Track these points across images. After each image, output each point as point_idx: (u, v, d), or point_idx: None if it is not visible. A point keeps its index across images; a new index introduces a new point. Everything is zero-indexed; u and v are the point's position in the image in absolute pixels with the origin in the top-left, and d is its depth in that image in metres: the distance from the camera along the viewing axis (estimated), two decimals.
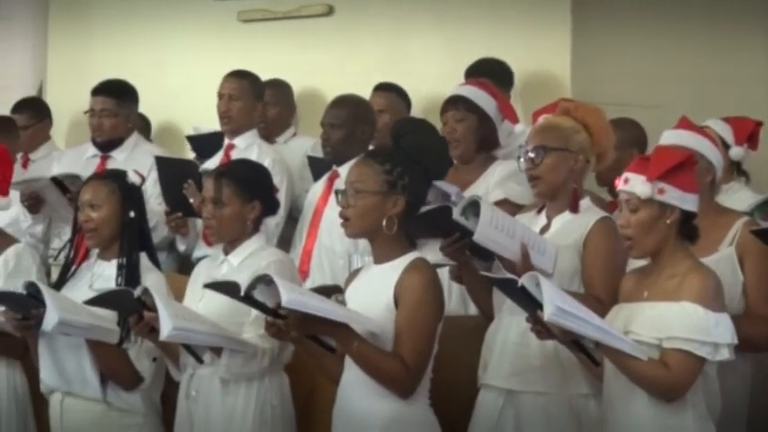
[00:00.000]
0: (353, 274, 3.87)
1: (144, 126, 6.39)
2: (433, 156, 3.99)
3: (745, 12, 6.22)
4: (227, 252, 4.13)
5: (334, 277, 4.92)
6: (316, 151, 5.68)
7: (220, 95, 5.71)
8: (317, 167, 5.52)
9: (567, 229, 3.91)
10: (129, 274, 4.19)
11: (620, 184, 3.51)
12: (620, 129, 4.33)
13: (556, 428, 3.80)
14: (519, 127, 5.00)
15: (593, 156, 3.97)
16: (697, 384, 3.39)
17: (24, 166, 6.33)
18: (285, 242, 5.33)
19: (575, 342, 3.43)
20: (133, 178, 4.33)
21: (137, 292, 3.83)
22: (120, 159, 5.75)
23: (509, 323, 3.87)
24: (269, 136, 6.02)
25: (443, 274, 3.94)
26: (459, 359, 3.95)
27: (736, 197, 4.64)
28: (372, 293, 3.64)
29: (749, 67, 6.20)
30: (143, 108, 6.13)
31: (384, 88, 5.91)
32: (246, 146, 5.62)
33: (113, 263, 4.24)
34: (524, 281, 3.32)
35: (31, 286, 4.00)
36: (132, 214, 4.27)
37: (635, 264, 3.70)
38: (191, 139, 6.17)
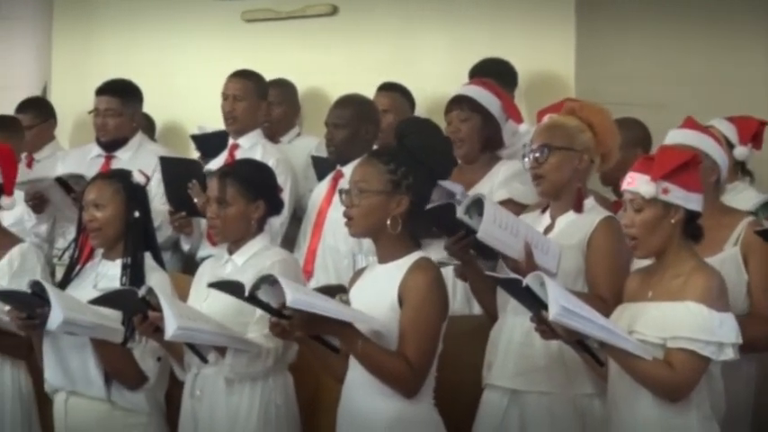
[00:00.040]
0: (358, 274, 3.87)
1: (148, 126, 6.40)
2: (438, 155, 3.98)
3: (750, 12, 6.21)
4: (231, 252, 4.13)
5: (339, 277, 4.92)
6: (320, 151, 5.69)
7: (225, 96, 5.71)
8: (322, 167, 5.52)
9: (571, 229, 3.91)
10: (134, 273, 4.20)
11: (624, 184, 3.51)
12: (625, 128, 4.33)
13: (560, 428, 3.80)
14: (523, 127, 5.01)
15: (598, 156, 3.97)
16: (701, 384, 3.39)
17: (29, 165, 6.33)
18: (289, 242, 5.33)
19: (579, 342, 3.43)
20: (138, 178, 4.34)
21: (141, 291, 3.84)
22: (124, 159, 5.75)
23: (513, 323, 3.87)
24: (273, 136, 6.02)
25: (447, 273, 3.95)
26: (464, 359, 3.94)
27: (741, 197, 4.64)
28: (377, 293, 3.64)
29: (754, 66, 6.19)
30: (147, 108, 6.14)
31: (388, 88, 5.91)
32: (251, 145, 5.62)
33: (118, 262, 4.24)
34: (529, 281, 3.32)
35: (36, 285, 4.00)
36: (137, 214, 4.27)
37: (639, 264, 3.70)
38: (195, 138, 6.18)
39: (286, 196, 4.91)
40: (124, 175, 4.36)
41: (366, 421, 3.60)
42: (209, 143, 5.94)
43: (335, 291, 3.83)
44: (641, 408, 3.42)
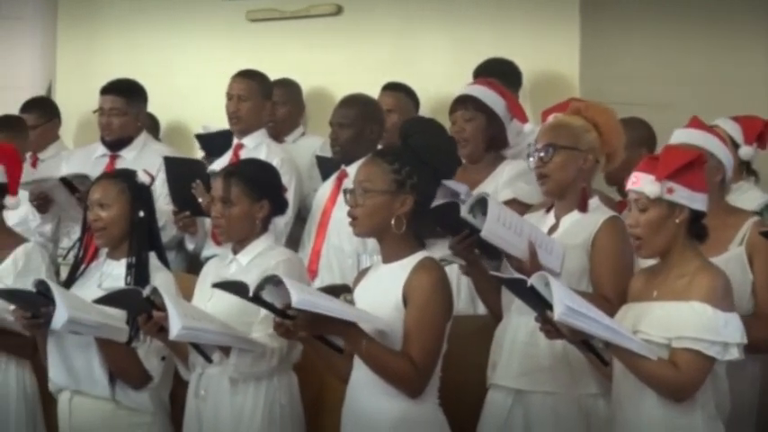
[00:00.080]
0: (362, 274, 3.87)
1: (153, 126, 6.39)
2: (442, 155, 3.98)
3: (753, 12, 6.21)
4: (235, 251, 4.13)
5: (343, 276, 4.92)
6: (324, 151, 5.69)
7: (229, 96, 5.71)
8: (326, 167, 5.52)
9: (576, 229, 3.91)
10: (139, 273, 4.20)
11: (629, 184, 3.51)
12: (630, 128, 4.33)
13: (565, 428, 3.79)
14: (528, 126, 5.00)
15: (603, 155, 3.97)
16: (706, 384, 3.39)
17: (33, 165, 6.34)
18: (294, 242, 5.33)
19: (584, 342, 3.43)
20: (143, 178, 4.34)
21: (145, 291, 3.84)
22: (128, 159, 5.75)
23: (518, 323, 3.86)
24: (278, 135, 6.02)
25: (452, 272, 3.95)
26: (468, 359, 3.94)
27: (746, 196, 4.63)
28: (381, 293, 3.64)
29: (758, 66, 6.19)
30: (152, 108, 6.14)
31: (392, 88, 5.91)
32: (255, 145, 5.62)
33: (122, 262, 4.25)
34: (533, 281, 3.32)
35: (41, 284, 4.00)
36: (141, 214, 4.27)
37: (644, 264, 3.70)
38: (200, 137, 6.18)
39: (290, 196, 4.91)
40: (129, 175, 4.36)
41: (370, 421, 3.60)
42: (214, 142, 5.94)
43: (340, 290, 3.83)
44: (646, 407, 3.41)
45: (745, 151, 4.69)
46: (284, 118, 6.18)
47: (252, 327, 3.95)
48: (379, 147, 5.09)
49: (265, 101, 5.75)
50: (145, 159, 5.61)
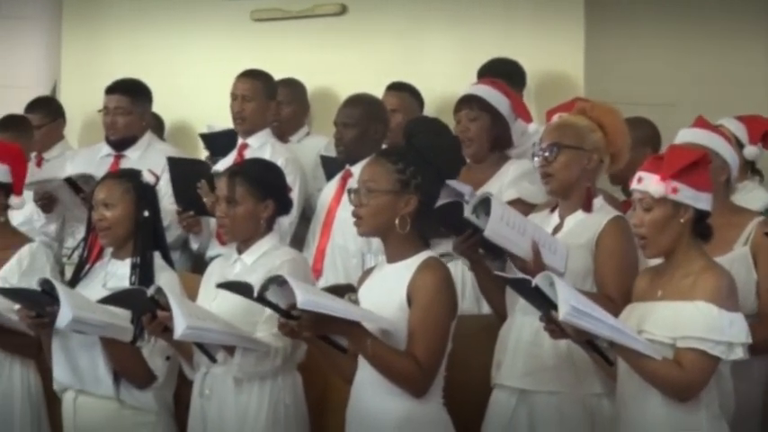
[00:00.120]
0: (366, 273, 3.87)
1: (157, 125, 6.40)
2: (446, 155, 3.99)
3: (757, 12, 6.21)
4: (240, 251, 4.13)
5: (348, 276, 4.92)
6: (329, 150, 5.69)
7: (234, 96, 5.71)
8: (330, 167, 5.52)
9: (580, 229, 3.91)
10: (143, 273, 4.20)
11: (633, 183, 3.51)
12: (634, 128, 4.33)
13: (569, 428, 3.79)
14: (532, 126, 5.01)
15: (608, 156, 3.97)
16: (711, 384, 3.39)
17: (38, 165, 6.34)
18: (298, 241, 5.33)
19: (588, 342, 3.43)
20: (147, 178, 4.34)
21: (150, 291, 3.84)
22: (133, 158, 5.75)
23: (522, 323, 3.86)
24: (282, 135, 6.03)
25: (456, 272, 3.95)
26: (473, 358, 3.94)
27: (750, 196, 4.63)
28: (385, 292, 3.64)
29: (762, 66, 6.19)
30: (156, 108, 6.14)
31: (397, 88, 5.92)
32: (260, 145, 5.62)
33: (127, 262, 4.25)
34: (538, 280, 3.32)
35: (46, 283, 4.00)
36: (146, 213, 4.27)
37: (648, 263, 3.70)
38: (204, 136, 6.18)
39: (295, 196, 4.90)
40: (134, 175, 4.36)
41: (375, 421, 3.60)
42: (218, 142, 5.95)
43: (344, 290, 3.84)
44: (650, 407, 3.41)
45: (750, 151, 4.70)
46: (289, 118, 6.18)
47: (256, 326, 3.94)
48: (384, 146, 5.10)
49: (270, 101, 5.76)
50: (149, 159, 5.61)
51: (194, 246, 5.53)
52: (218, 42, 6.88)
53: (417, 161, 3.68)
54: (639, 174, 3.50)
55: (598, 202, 3.95)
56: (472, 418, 3.92)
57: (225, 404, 3.97)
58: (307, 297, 3.41)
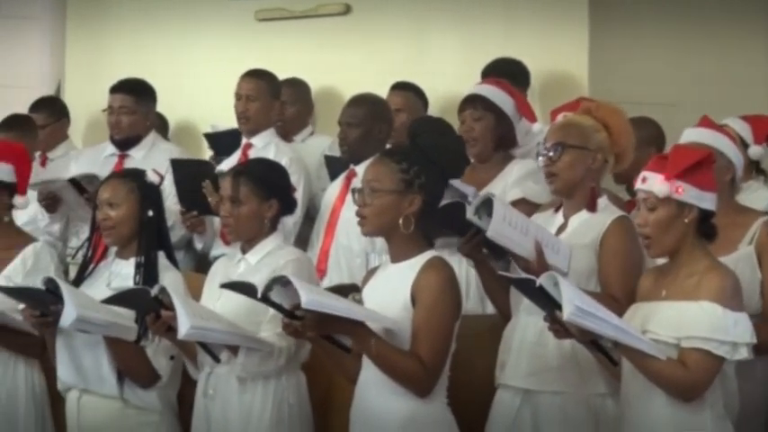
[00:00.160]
0: (371, 273, 3.87)
1: (161, 125, 6.40)
2: (450, 155, 3.99)
3: (762, 12, 6.21)
4: (244, 251, 4.13)
5: (352, 276, 4.92)
6: (333, 150, 5.69)
7: (238, 96, 5.71)
8: (335, 166, 5.52)
9: (584, 228, 3.91)
10: (147, 272, 4.20)
11: (637, 183, 3.51)
12: (638, 127, 4.33)
13: (573, 428, 3.79)
14: (537, 126, 5.00)
15: (612, 156, 3.96)
16: (715, 384, 3.38)
17: (43, 164, 6.35)
18: (303, 241, 5.33)
19: (593, 341, 3.43)
20: (152, 177, 4.35)
21: (154, 290, 3.84)
22: (137, 158, 5.76)
23: (526, 323, 3.86)
24: (286, 135, 6.03)
25: (461, 272, 3.94)
26: (477, 358, 3.94)
27: (755, 196, 4.63)
28: (389, 292, 3.64)
29: (766, 66, 6.19)
30: (160, 107, 6.14)
31: (401, 87, 5.92)
32: (264, 145, 5.62)
33: (131, 261, 4.25)
34: (542, 280, 3.32)
35: (50, 282, 4.01)
36: (151, 213, 4.27)
37: (652, 263, 3.70)
38: (208, 136, 6.19)
39: (299, 195, 4.91)
40: (138, 175, 4.37)
41: (379, 421, 3.59)
42: (222, 141, 5.95)
43: (348, 290, 3.83)
44: (655, 407, 3.41)
45: (755, 151, 4.68)
46: (293, 117, 6.18)
47: (260, 326, 3.94)
48: (388, 146, 5.10)
49: (274, 100, 5.76)
50: (154, 159, 5.61)
51: (198, 245, 5.53)
52: (223, 42, 6.88)
53: (421, 161, 3.68)
54: (644, 173, 3.49)
55: (602, 201, 3.95)
56: (476, 418, 3.91)
57: (229, 404, 3.97)
58: (311, 297, 3.41)
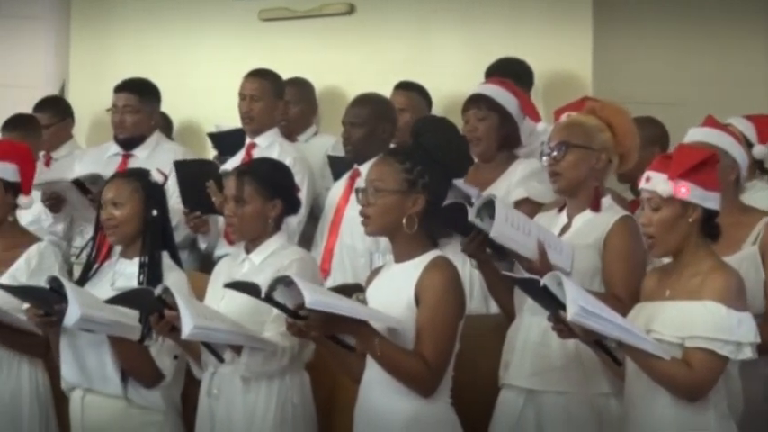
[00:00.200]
0: (374, 273, 3.87)
1: (166, 125, 6.41)
2: (454, 154, 3.99)
3: (763, 12, 6.20)
4: (248, 250, 4.13)
5: (356, 275, 4.92)
6: (337, 150, 5.69)
7: (242, 96, 5.71)
8: (338, 166, 5.52)
9: (588, 228, 3.91)
10: (151, 272, 4.20)
11: (641, 183, 3.51)
12: (642, 127, 4.32)
13: (577, 428, 3.79)
14: (541, 125, 5.00)
15: (616, 156, 3.96)
16: (719, 384, 3.38)
17: (47, 164, 6.35)
18: (307, 241, 5.33)
19: (597, 341, 3.42)
20: (156, 177, 4.35)
21: (157, 290, 3.84)
22: (141, 157, 5.76)
23: (530, 323, 3.86)
24: (290, 134, 6.03)
25: (464, 272, 3.94)
26: (481, 358, 3.94)
27: (759, 196, 4.62)
28: (393, 292, 3.64)
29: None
30: (164, 107, 6.15)
31: (405, 87, 5.92)
32: (268, 144, 5.63)
33: (135, 261, 4.25)
34: (546, 280, 3.31)
35: (54, 281, 4.01)
36: (155, 213, 4.28)
37: (657, 263, 3.69)
38: (212, 136, 6.19)
39: (303, 195, 4.90)
40: (142, 174, 4.37)
41: (383, 420, 3.59)
42: (226, 141, 5.95)
43: (352, 289, 3.83)
44: (658, 407, 3.41)
45: (759, 150, 4.68)
46: (297, 117, 6.18)
47: (264, 326, 3.95)
48: (392, 146, 5.10)
49: (278, 100, 5.76)
50: (158, 158, 5.61)
51: (202, 245, 5.53)
52: (226, 42, 6.89)
53: (425, 161, 3.68)
54: (648, 173, 3.49)
55: (606, 201, 3.95)
56: (480, 418, 3.91)
57: (233, 404, 3.97)
58: (314, 297, 3.41)
